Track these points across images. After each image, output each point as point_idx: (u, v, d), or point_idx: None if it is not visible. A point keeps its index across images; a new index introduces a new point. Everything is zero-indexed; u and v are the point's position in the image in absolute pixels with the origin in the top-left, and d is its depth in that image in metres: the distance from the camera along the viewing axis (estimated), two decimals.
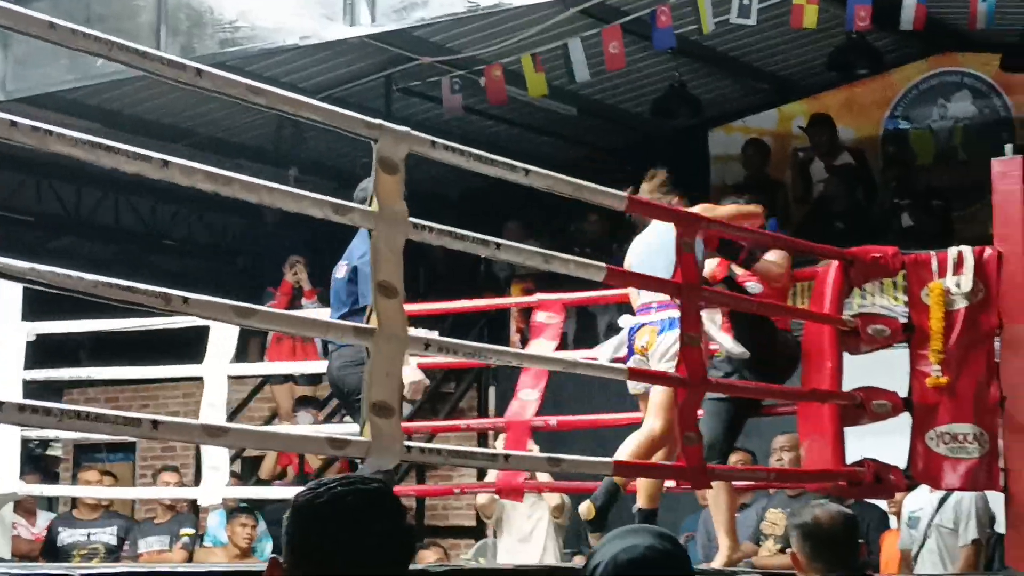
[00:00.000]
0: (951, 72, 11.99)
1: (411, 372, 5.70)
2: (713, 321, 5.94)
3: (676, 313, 5.50)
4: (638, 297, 6.12)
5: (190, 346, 8.38)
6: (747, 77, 12.29)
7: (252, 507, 8.97)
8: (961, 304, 6.02)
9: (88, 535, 8.82)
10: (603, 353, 6.16)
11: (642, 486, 6.00)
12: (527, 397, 6.55)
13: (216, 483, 7.40)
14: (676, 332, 5.39)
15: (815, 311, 6.18)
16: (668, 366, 5.59)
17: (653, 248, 5.97)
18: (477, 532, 10.59)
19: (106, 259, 13.75)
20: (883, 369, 6.14)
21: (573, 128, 12.87)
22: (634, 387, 6.05)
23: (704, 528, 7.87)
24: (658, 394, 5.81)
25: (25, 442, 7.82)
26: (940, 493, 6.78)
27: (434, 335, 5.28)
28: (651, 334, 5.89)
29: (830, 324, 6.01)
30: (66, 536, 8.80)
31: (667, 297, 5.67)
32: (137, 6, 9.88)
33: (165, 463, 10.38)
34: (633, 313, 6.12)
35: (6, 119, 3.63)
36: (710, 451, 5.70)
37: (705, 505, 8.08)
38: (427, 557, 7.90)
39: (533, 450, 6.66)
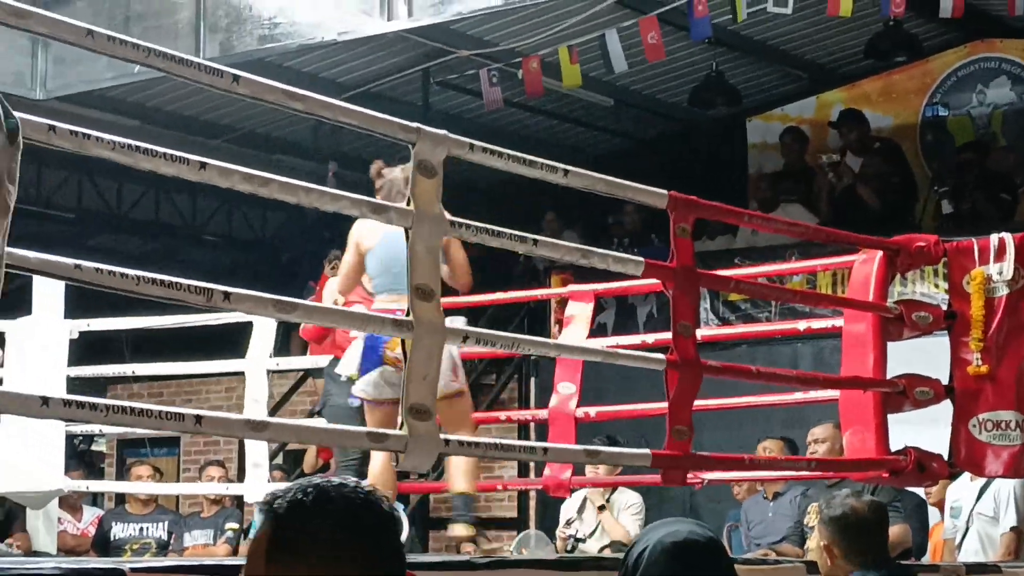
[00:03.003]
0: (990, 58, 11.91)
1: None
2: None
3: None
4: (371, 290, 5.95)
5: (232, 341, 8.44)
6: (785, 65, 12.25)
7: None
8: (1002, 291, 6.00)
9: (140, 529, 8.89)
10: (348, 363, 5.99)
11: (468, 472, 6.12)
12: (566, 390, 6.56)
13: (260, 477, 7.44)
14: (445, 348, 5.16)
15: (857, 299, 6.16)
16: (441, 384, 5.51)
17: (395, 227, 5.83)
18: (519, 524, 10.62)
19: (146, 255, 13.86)
20: (918, 357, 6.12)
21: (611, 119, 12.87)
22: (374, 391, 5.84)
23: (746, 518, 7.89)
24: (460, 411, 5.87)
25: (70, 438, 7.88)
26: (980, 482, 6.76)
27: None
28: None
29: (874, 312, 5.99)
30: (118, 531, 8.87)
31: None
32: (176, 3, 9.94)
33: (209, 458, 10.44)
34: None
35: (44, 124, 3.66)
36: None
37: (741, 498, 8.10)
38: (459, 531, 7.81)
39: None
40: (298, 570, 1.94)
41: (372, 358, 5.83)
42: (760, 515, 7.78)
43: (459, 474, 6.21)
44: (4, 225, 3.23)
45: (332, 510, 1.97)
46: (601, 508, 8.07)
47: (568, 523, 8.23)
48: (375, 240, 5.91)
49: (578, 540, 8.09)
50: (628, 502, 8.10)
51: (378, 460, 6.04)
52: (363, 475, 6.53)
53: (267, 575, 1.95)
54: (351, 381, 6.21)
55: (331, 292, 6.56)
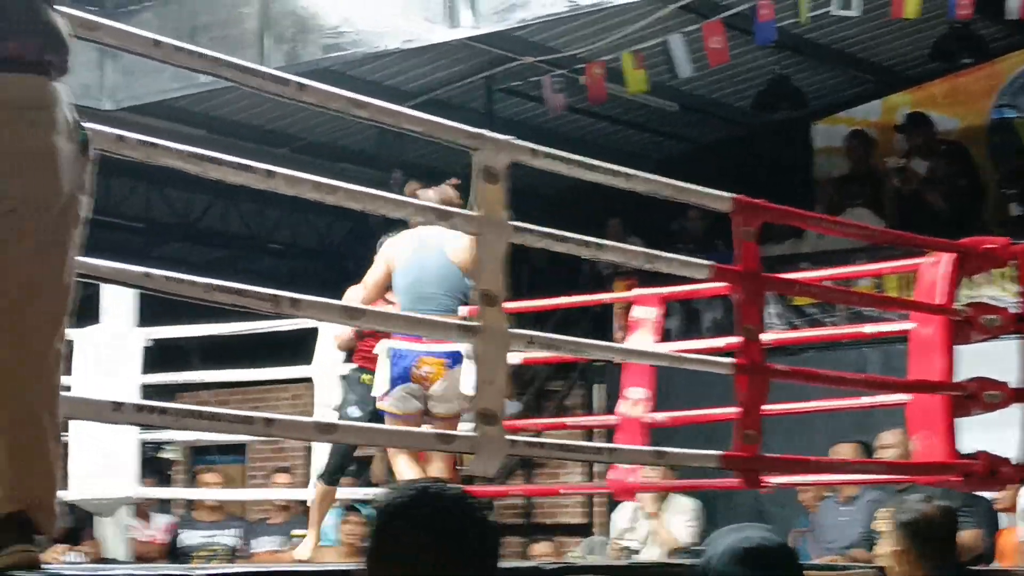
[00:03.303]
0: None
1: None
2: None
3: (459, 346, 5.53)
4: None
5: (300, 348, 8.49)
6: (850, 68, 12.18)
7: (363, 507, 9.08)
8: None
9: (209, 537, 8.96)
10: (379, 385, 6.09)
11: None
12: (635, 395, 6.53)
13: None
14: (468, 368, 5.24)
15: (925, 302, 6.11)
16: (455, 406, 5.78)
17: (425, 246, 6.02)
18: (585, 530, 10.61)
19: (213, 264, 13.96)
20: (981, 361, 6.06)
21: (675, 124, 12.84)
22: (401, 405, 5.96)
23: (819, 523, 7.83)
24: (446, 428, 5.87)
25: (140, 445, 7.96)
26: None
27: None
28: (437, 366, 5.89)
29: (942, 315, 5.94)
30: (187, 538, 8.94)
31: None
32: (242, 13, 10.01)
33: (278, 464, 10.50)
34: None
35: (113, 134, 3.71)
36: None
37: (806, 504, 8.05)
38: (539, 550, 7.94)
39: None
40: (391, 571, 1.97)
41: (399, 375, 5.96)
42: (832, 520, 7.73)
43: None
44: (78, 235, 3.28)
45: (418, 515, 2.00)
46: (654, 515, 8.02)
47: (622, 533, 8.20)
48: (405, 259, 6.09)
49: (633, 551, 8.05)
50: (683, 508, 8.05)
51: (401, 470, 6.18)
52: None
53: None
54: (366, 388, 6.48)
55: (351, 301, 6.60)
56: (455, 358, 5.79)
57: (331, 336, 7.19)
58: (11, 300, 3.15)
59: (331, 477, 7.10)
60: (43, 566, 3.26)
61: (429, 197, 6.11)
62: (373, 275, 6.22)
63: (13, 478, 3.15)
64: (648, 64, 10.60)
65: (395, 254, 6.13)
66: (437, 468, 6.08)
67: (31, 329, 3.17)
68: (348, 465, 7.21)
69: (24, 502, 3.15)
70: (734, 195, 5.01)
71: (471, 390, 5.64)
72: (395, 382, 5.96)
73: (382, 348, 6.03)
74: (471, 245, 5.58)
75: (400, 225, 6.23)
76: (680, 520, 8.00)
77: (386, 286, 6.18)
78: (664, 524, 7.99)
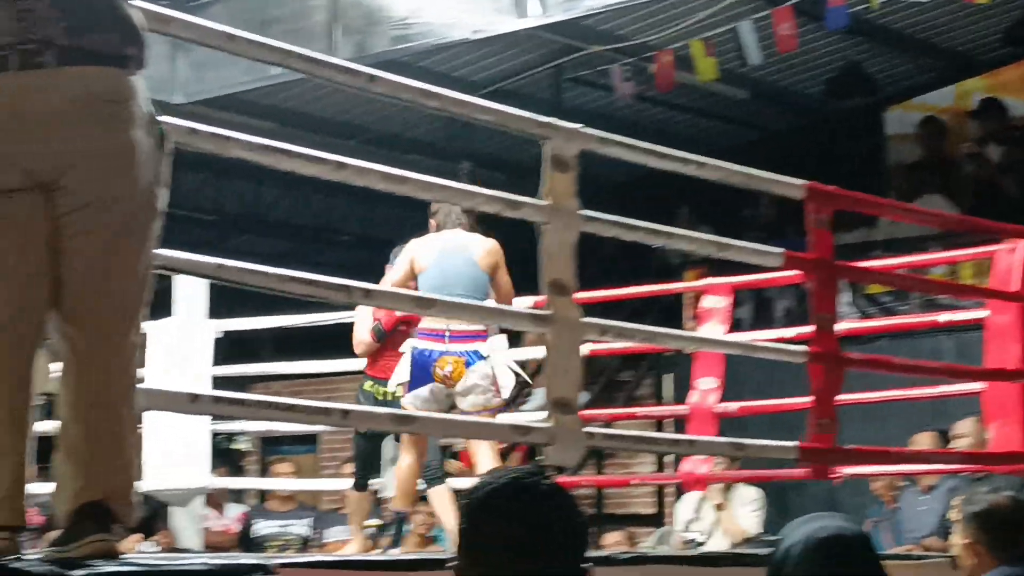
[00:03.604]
0: None
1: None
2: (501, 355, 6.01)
3: (478, 346, 5.89)
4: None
5: None
6: (922, 54, 12.04)
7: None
8: None
9: (282, 527, 9.01)
10: (398, 377, 6.18)
11: (406, 493, 6.44)
12: (706, 385, 6.51)
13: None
14: (486, 366, 5.86)
15: (1001, 289, 6.04)
16: (482, 400, 5.85)
17: (450, 249, 6.09)
18: (656, 520, 10.59)
19: (284, 255, 14.02)
20: None
21: (745, 112, 12.76)
22: (423, 405, 6.01)
23: (899, 512, 7.77)
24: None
25: (212, 436, 8.01)
26: None
27: None
28: (457, 365, 5.94)
29: (1019, 302, 5.87)
30: (261, 527, 9.00)
31: (464, 326, 5.87)
32: (311, 6, 10.05)
33: (348, 455, 10.53)
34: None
35: (185, 127, 3.74)
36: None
37: (878, 493, 7.99)
38: (610, 540, 7.94)
39: None
40: (483, 562, 1.97)
41: (421, 375, 6.02)
42: (912, 509, 7.66)
43: (398, 494, 6.56)
44: (156, 228, 3.30)
45: (509, 507, 1.99)
46: (719, 507, 7.99)
47: (687, 525, 8.16)
48: (430, 261, 6.13)
49: (698, 543, 8.02)
50: (747, 498, 8.01)
51: (404, 467, 6.35)
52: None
53: (465, 567, 1.99)
54: (376, 401, 6.68)
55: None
56: (474, 356, 5.95)
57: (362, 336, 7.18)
58: (91, 292, 3.18)
59: (360, 483, 7.14)
60: (120, 556, 3.29)
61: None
62: (397, 274, 6.26)
63: (92, 468, 3.18)
64: (717, 51, 10.53)
65: (421, 255, 6.19)
66: (485, 465, 6.12)
67: (109, 322, 3.20)
68: (373, 469, 7.23)
69: (103, 492, 3.18)
70: (807, 182, 4.97)
71: (507, 382, 5.90)
72: (417, 381, 6.03)
73: (406, 347, 6.13)
74: (494, 250, 5.98)
75: (417, 233, 6.36)
76: (746, 510, 7.96)
77: (410, 286, 6.21)
78: (730, 514, 7.96)
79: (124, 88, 3.20)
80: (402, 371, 6.12)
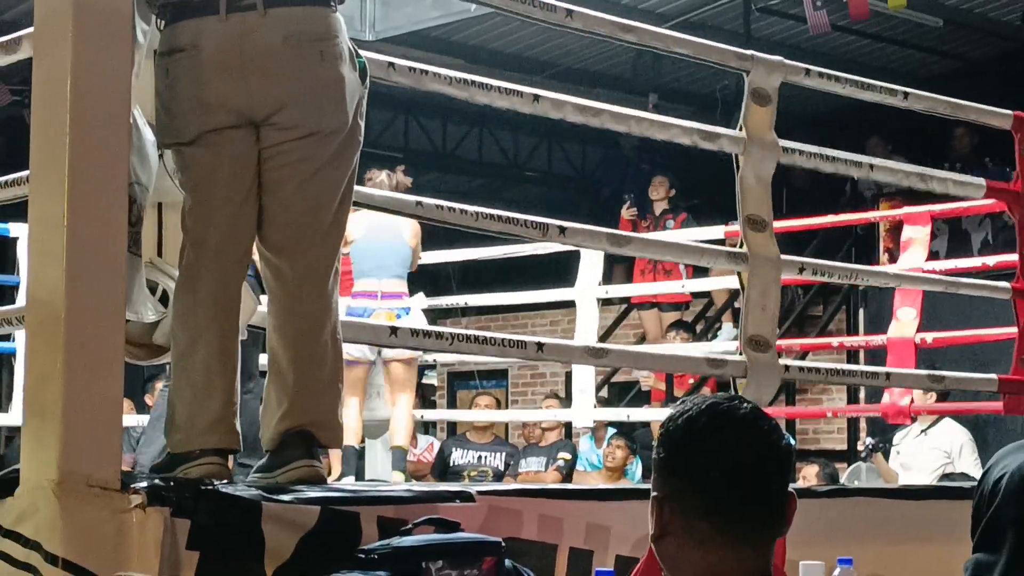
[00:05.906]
0: None
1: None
2: None
3: (405, 302, 6.82)
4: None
5: (550, 272, 8.53)
6: None
7: (624, 431, 9.13)
8: None
9: (479, 458, 9.13)
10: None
11: (405, 430, 7.21)
12: (906, 316, 6.39)
13: (586, 403, 7.52)
14: (415, 318, 6.72)
15: None
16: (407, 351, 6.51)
17: (382, 225, 6.70)
18: (849, 455, 10.46)
19: (470, 192, 14.12)
20: None
21: (939, 40, 12.43)
22: (356, 353, 6.71)
23: None
24: (403, 371, 7.03)
25: None
26: None
27: None
28: (389, 318, 6.57)
29: None
30: (458, 457, 9.14)
31: (393, 288, 6.78)
32: None
33: (536, 390, 10.63)
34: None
35: (384, 61, 3.78)
36: None
37: None
38: (806, 472, 7.90)
39: None
40: (687, 490, 1.94)
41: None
42: None
43: (397, 431, 7.21)
44: (356, 160, 3.36)
45: (711, 434, 1.96)
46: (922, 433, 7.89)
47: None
48: (359, 234, 6.78)
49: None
50: (951, 431, 7.88)
51: (401, 407, 7.14)
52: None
53: (668, 495, 1.96)
54: None
55: None
56: (403, 312, 6.77)
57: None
58: (297, 222, 3.25)
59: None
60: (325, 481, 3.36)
61: (381, 180, 6.91)
62: None
63: (297, 394, 3.26)
64: None
65: (351, 228, 6.54)
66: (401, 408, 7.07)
67: (314, 250, 3.28)
68: None
69: (308, 418, 3.26)
70: (1015, 112, 4.84)
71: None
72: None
73: (342, 306, 6.37)
74: (418, 231, 6.94)
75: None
76: (947, 443, 7.82)
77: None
78: (930, 448, 7.83)
79: (330, 25, 3.25)
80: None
